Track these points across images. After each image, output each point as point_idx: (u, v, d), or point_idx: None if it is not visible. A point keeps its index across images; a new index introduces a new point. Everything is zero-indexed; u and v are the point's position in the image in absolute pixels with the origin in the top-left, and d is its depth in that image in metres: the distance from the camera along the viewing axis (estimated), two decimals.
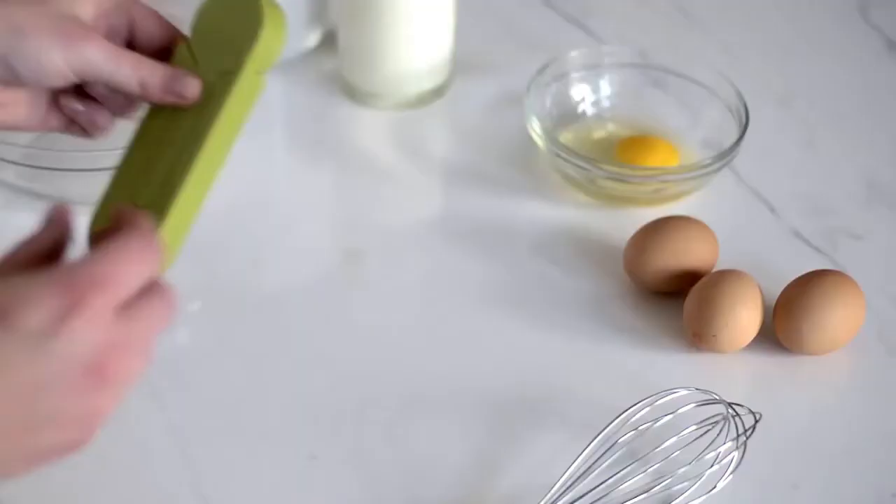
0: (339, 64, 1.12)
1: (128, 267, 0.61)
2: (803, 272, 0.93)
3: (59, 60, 0.74)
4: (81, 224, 0.99)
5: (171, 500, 0.83)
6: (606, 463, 0.82)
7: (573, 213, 1.03)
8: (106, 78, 0.75)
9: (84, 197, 0.99)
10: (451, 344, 0.92)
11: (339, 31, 1.12)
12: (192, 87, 0.76)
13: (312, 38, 1.15)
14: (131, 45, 0.78)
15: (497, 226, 1.01)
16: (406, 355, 0.92)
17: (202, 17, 0.80)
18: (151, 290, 0.63)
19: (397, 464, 0.85)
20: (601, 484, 0.81)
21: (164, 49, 0.79)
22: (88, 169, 0.95)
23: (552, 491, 0.81)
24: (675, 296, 0.95)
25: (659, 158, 1.04)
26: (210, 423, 0.86)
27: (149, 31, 0.78)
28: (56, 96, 0.79)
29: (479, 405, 0.89)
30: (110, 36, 0.77)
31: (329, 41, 1.15)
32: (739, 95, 1.05)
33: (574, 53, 1.09)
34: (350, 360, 0.91)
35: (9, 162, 0.96)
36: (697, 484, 0.82)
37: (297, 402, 0.88)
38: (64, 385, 0.60)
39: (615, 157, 1.05)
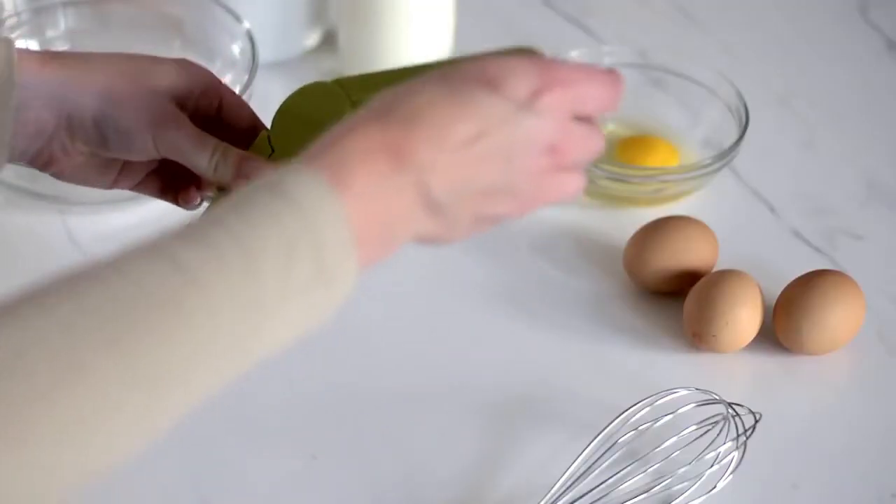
0: (339, 64, 1.12)
1: (591, 86, 0.68)
2: (803, 272, 0.93)
3: (148, 140, 0.76)
4: (75, 221, 0.99)
5: (171, 500, 0.83)
6: (606, 463, 0.82)
7: (573, 213, 1.03)
8: (188, 161, 0.76)
9: (84, 197, 0.99)
10: (450, 344, 0.92)
11: (339, 31, 1.12)
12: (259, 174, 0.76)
13: (312, 38, 1.15)
14: (215, 125, 0.79)
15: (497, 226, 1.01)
16: (406, 355, 0.92)
17: (286, 110, 0.79)
18: (593, 124, 0.69)
19: (397, 464, 0.85)
20: (601, 484, 0.81)
21: (246, 135, 0.79)
22: None
23: (552, 491, 0.81)
24: (675, 296, 0.95)
25: (659, 158, 1.04)
26: (210, 424, 0.86)
27: (233, 117, 0.79)
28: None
29: (479, 405, 0.89)
30: (196, 118, 0.78)
31: (329, 41, 1.15)
32: (739, 95, 1.05)
33: (574, 53, 1.09)
34: (350, 360, 0.91)
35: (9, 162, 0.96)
36: (697, 484, 0.82)
37: (297, 402, 0.88)
38: (528, 157, 0.65)
39: (615, 157, 1.05)
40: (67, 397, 0.54)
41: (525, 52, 0.77)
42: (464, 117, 0.64)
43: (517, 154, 0.65)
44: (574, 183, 0.68)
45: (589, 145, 0.69)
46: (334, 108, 0.78)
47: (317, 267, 0.59)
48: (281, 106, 0.80)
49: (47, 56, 0.76)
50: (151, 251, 0.57)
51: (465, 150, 0.64)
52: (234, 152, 0.76)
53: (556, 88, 0.66)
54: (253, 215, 0.58)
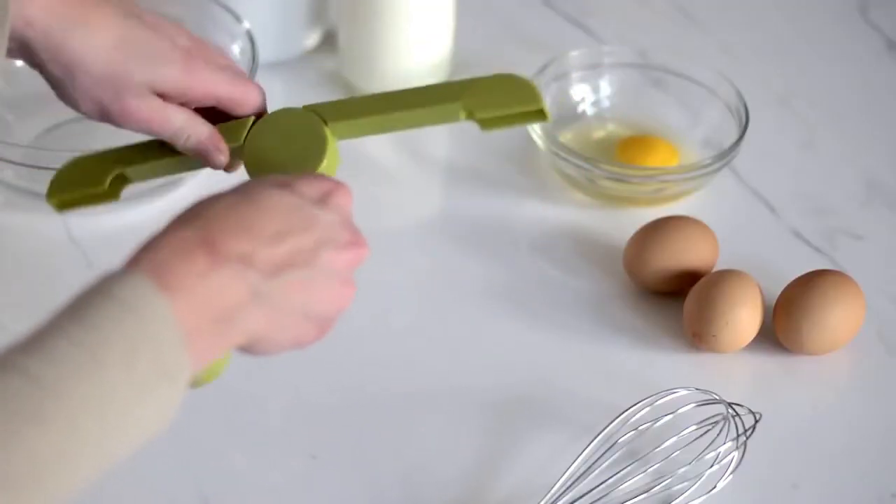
0: (339, 64, 1.12)
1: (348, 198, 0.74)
2: (803, 272, 0.93)
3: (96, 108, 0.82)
4: (75, 221, 0.99)
5: (171, 500, 0.83)
6: (606, 463, 0.82)
7: (573, 213, 1.03)
8: (153, 134, 0.82)
9: None
10: (451, 344, 0.92)
11: (339, 31, 1.12)
12: (221, 158, 0.82)
13: (312, 38, 1.15)
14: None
15: (497, 226, 1.01)
16: (406, 355, 0.92)
17: (262, 129, 0.81)
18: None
19: (397, 464, 0.85)
20: (601, 484, 0.81)
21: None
22: None
23: (552, 491, 0.81)
24: (675, 296, 0.95)
25: (659, 158, 1.04)
26: (210, 424, 0.86)
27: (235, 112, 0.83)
28: None
29: (479, 405, 0.89)
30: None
31: (329, 41, 1.15)
32: (739, 95, 1.05)
33: (574, 53, 1.09)
34: (350, 360, 0.91)
35: (9, 162, 0.96)
36: (697, 484, 0.82)
37: (297, 402, 0.88)
38: (333, 250, 0.70)
39: (615, 157, 1.05)
40: None
41: (509, 78, 0.79)
42: (267, 212, 0.69)
43: (324, 245, 0.70)
44: (352, 288, 0.72)
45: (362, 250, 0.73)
46: (309, 125, 0.79)
47: (158, 365, 0.62)
48: (258, 123, 0.81)
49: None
50: (1, 368, 0.59)
51: (276, 241, 0.68)
52: (202, 131, 0.81)
53: (340, 190, 0.73)
54: (92, 321, 0.61)
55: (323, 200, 0.72)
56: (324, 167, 0.79)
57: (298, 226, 0.70)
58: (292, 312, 0.69)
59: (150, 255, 0.64)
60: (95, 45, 0.78)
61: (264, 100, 0.83)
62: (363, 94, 0.82)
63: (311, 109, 0.80)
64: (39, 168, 0.96)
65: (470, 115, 0.79)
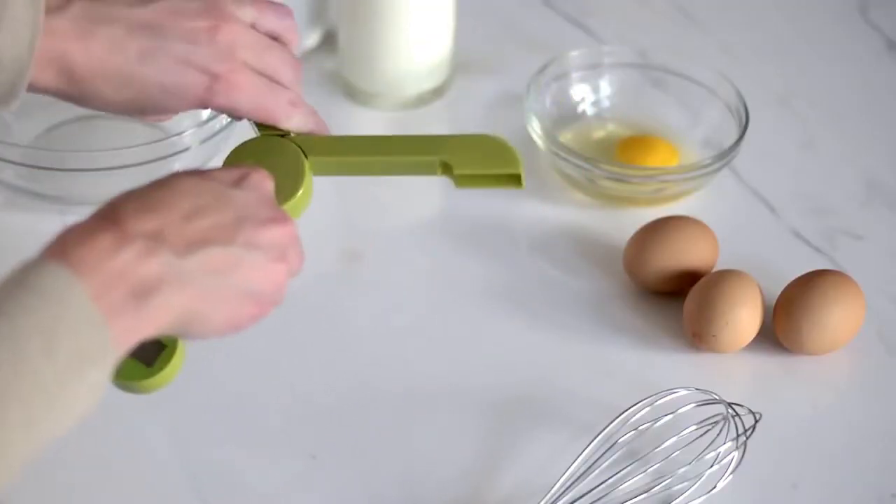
0: (339, 64, 1.12)
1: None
2: (803, 272, 0.93)
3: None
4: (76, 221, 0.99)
5: (170, 500, 0.83)
6: (606, 463, 0.82)
7: (573, 213, 1.03)
8: None
9: (84, 197, 0.99)
10: (450, 344, 0.92)
11: (339, 31, 1.12)
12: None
13: (312, 38, 1.15)
14: None
15: (497, 226, 1.01)
16: (406, 355, 0.92)
17: (240, 149, 0.81)
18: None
19: (397, 464, 0.85)
20: (601, 484, 0.81)
21: None
22: (88, 169, 0.95)
23: (552, 491, 0.81)
24: (675, 296, 0.95)
25: (659, 158, 1.04)
26: (210, 424, 0.86)
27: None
28: None
29: (479, 405, 0.89)
30: None
31: (329, 41, 1.15)
32: (739, 95, 1.05)
33: (574, 53, 1.09)
34: (350, 360, 0.91)
35: (9, 162, 0.96)
36: (697, 484, 0.82)
37: (297, 402, 0.88)
38: (253, 227, 0.70)
39: (615, 157, 1.05)
40: None
41: (493, 140, 0.81)
42: (179, 193, 0.69)
43: (242, 223, 0.70)
44: (283, 264, 0.72)
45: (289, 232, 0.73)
46: (289, 155, 0.80)
47: (79, 349, 0.62)
48: (240, 145, 0.81)
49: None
50: None
51: (189, 219, 0.68)
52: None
53: (257, 173, 0.73)
54: (10, 312, 0.62)
55: (238, 183, 0.72)
56: (298, 197, 0.79)
57: (213, 205, 0.70)
58: (220, 289, 0.69)
59: (58, 241, 0.65)
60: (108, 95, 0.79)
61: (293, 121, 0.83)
62: (347, 134, 0.83)
63: (292, 141, 0.80)
64: (39, 168, 0.96)
65: (446, 171, 0.80)
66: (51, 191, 0.98)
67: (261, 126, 0.81)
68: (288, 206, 0.78)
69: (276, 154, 0.80)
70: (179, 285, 0.67)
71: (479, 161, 0.80)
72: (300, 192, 0.78)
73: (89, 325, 0.63)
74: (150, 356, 0.75)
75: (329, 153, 0.81)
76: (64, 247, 0.64)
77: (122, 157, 0.95)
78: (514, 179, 0.80)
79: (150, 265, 0.66)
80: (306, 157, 0.80)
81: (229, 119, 0.98)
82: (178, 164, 0.98)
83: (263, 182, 0.73)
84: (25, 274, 0.63)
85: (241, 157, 0.81)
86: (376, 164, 0.81)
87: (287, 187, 0.78)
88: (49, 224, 0.98)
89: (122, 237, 0.65)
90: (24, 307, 0.62)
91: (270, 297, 0.72)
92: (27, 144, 1.02)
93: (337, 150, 0.81)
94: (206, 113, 1.04)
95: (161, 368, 0.75)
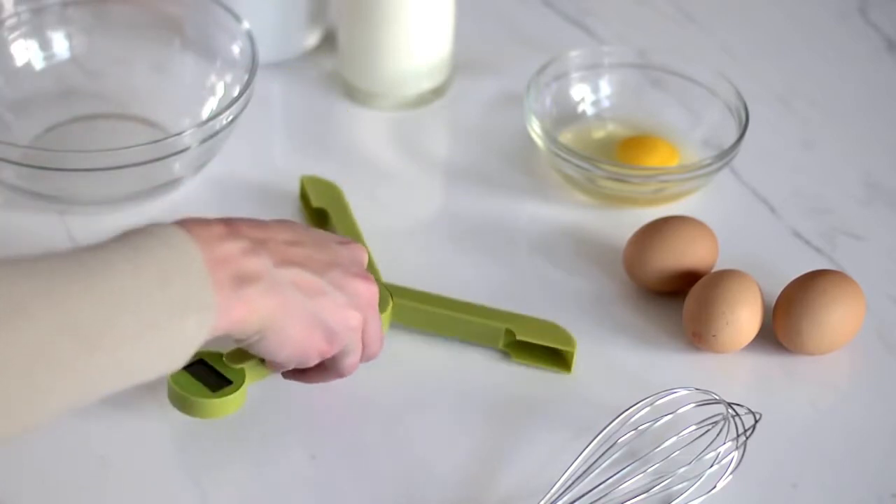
0: (339, 64, 1.12)
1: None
2: (803, 272, 0.93)
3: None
4: (75, 221, 0.99)
5: (171, 499, 0.83)
6: (606, 463, 0.82)
7: (573, 213, 1.03)
8: None
9: (84, 197, 0.99)
10: (450, 343, 0.92)
11: (339, 31, 1.12)
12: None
13: (312, 38, 1.15)
14: None
15: (497, 226, 1.01)
16: (405, 355, 0.92)
17: None
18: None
19: (397, 464, 0.85)
20: (601, 484, 0.81)
21: None
22: (88, 169, 0.95)
23: (552, 491, 0.81)
24: (675, 296, 0.95)
25: (659, 158, 1.04)
26: (210, 424, 0.86)
27: None
28: None
29: (479, 405, 0.89)
30: None
31: (329, 41, 1.15)
32: (739, 95, 1.05)
33: (574, 53, 1.09)
34: None
35: (9, 162, 0.96)
36: (697, 484, 0.82)
37: (296, 401, 0.88)
38: (341, 270, 0.80)
39: (615, 157, 1.05)
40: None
41: (552, 324, 0.92)
42: (288, 228, 0.80)
43: (335, 266, 0.79)
44: (358, 313, 0.81)
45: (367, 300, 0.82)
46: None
47: (188, 293, 0.71)
48: None
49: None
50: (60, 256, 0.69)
51: (290, 245, 0.78)
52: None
53: (359, 246, 0.84)
54: (135, 245, 0.71)
55: (340, 242, 0.82)
56: (383, 317, 0.88)
57: (312, 244, 0.80)
58: (300, 308, 0.77)
59: (178, 221, 0.74)
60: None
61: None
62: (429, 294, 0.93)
63: (383, 285, 0.91)
64: (39, 168, 0.96)
65: (508, 339, 0.90)
66: (51, 191, 0.98)
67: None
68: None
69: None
70: (272, 288, 0.75)
71: (538, 335, 0.90)
72: (382, 315, 0.87)
73: (199, 279, 0.71)
74: (215, 387, 0.83)
75: (410, 299, 0.91)
76: (185, 223, 0.73)
77: (122, 157, 0.95)
78: (564, 363, 0.90)
79: (252, 261, 0.74)
80: (392, 298, 0.90)
81: (230, 119, 0.98)
82: (178, 164, 0.98)
83: (361, 252, 0.83)
84: (150, 228, 0.72)
85: None
86: (449, 320, 0.91)
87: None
88: (49, 224, 0.99)
89: (233, 232, 0.75)
90: (146, 247, 0.70)
91: (341, 339, 0.80)
92: (27, 144, 1.02)
93: (417, 300, 0.91)
94: (206, 113, 1.04)
95: (222, 396, 0.82)
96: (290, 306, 0.76)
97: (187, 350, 0.71)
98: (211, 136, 0.98)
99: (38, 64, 1.07)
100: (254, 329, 0.75)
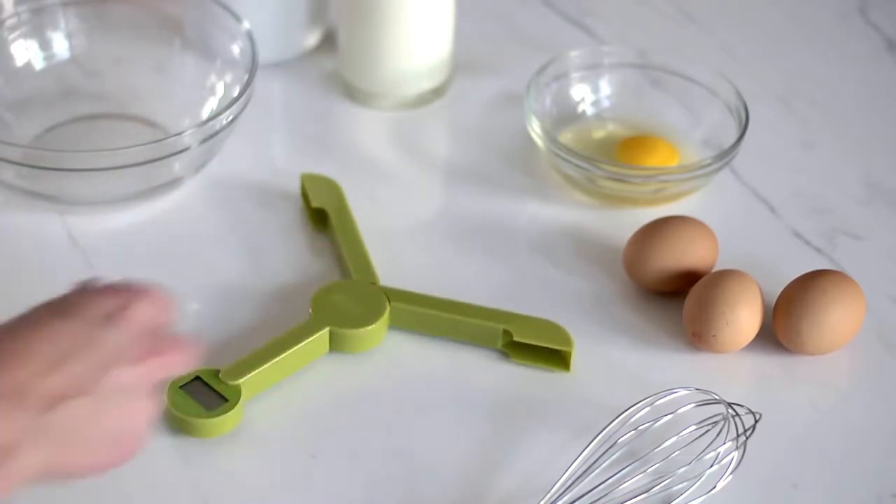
0: (339, 64, 1.12)
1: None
2: (803, 272, 0.93)
3: None
4: (75, 221, 0.99)
5: (171, 500, 0.83)
6: (606, 463, 0.82)
7: (573, 213, 1.03)
8: None
9: (84, 197, 0.99)
10: (449, 344, 0.92)
11: (339, 31, 1.12)
12: None
13: (312, 38, 1.15)
14: None
15: (497, 226, 1.01)
16: (405, 355, 0.92)
17: (335, 287, 0.93)
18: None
19: (397, 464, 0.85)
20: (601, 484, 0.81)
21: None
22: (88, 169, 0.95)
23: (552, 491, 0.81)
24: (675, 296, 0.95)
25: (659, 158, 1.04)
26: None
27: None
28: None
29: (478, 405, 0.89)
30: None
31: (329, 41, 1.15)
32: (739, 95, 1.05)
33: (574, 53, 1.09)
34: (349, 360, 0.91)
35: (9, 162, 0.96)
36: (697, 484, 0.82)
37: (296, 401, 0.88)
38: (118, 367, 0.68)
39: (615, 157, 1.05)
40: None
41: (550, 323, 0.92)
42: (38, 342, 0.67)
43: (109, 367, 0.68)
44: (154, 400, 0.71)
45: None
46: (375, 295, 0.92)
47: None
48: (326, 284, 0.92)
49: None
50: None
51: (48, 372, 0.66)
52: None
53: (137, 302, 0.70)
54: None
55: (109, 319, 0.69)
56: (376, 324, 0.90)
57: (72, 353, 0.67)
58: (80, 442, 0.68)
59: None
60: None
61: None
62: (427, 295, 0.93)
63: (380, 288, 0.92)
64: (39, 168, 0.96)
65: (506, 339, 0.90)
66: (51, 191, 0.98)
67: (356, 272, 0.93)
68: (367, 331, 0.89)
69: (364, 293, 0.92)
70: (35, 446, 0.65)
71: (535, 335, 0.90)
72: (380, 319, 0.90)
73: None
74: (213, 405, 0.84)
75: (408, 302, 0.91)
76: None
77: (122, 157, 0.95)
78: (563, 363, 0.90)
79: (8, 428, 0.64)
80: (389, 302, 0.90)
81: (230, 119, 0.98)
82: (178, 164, 0.98)
83: (146, 311, 0.70)
84: None
85: (330, 293, 0.91)
86: (447, 322, 0.91)
87: (367, 316, 0.90)
88: (49, 224, 0.99)
89: None
90: None
91: (140, 434, 0.70)
92: (27, 144, 1.02)
93: (414, 302, 0.91)
94: (206, 113, 1.04)
95: (217, 415, 0.84)
96: (65, 449, 0.67)
97: None
98: (211, 136, 0.98)
99: (38, 64, 1.07)
100: (37, 483, 0.66)
